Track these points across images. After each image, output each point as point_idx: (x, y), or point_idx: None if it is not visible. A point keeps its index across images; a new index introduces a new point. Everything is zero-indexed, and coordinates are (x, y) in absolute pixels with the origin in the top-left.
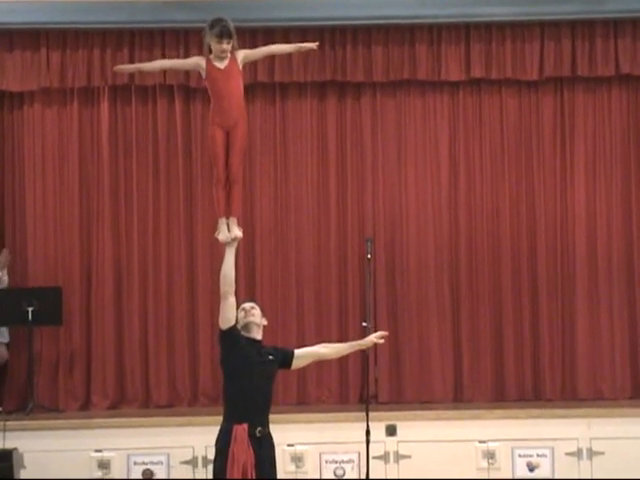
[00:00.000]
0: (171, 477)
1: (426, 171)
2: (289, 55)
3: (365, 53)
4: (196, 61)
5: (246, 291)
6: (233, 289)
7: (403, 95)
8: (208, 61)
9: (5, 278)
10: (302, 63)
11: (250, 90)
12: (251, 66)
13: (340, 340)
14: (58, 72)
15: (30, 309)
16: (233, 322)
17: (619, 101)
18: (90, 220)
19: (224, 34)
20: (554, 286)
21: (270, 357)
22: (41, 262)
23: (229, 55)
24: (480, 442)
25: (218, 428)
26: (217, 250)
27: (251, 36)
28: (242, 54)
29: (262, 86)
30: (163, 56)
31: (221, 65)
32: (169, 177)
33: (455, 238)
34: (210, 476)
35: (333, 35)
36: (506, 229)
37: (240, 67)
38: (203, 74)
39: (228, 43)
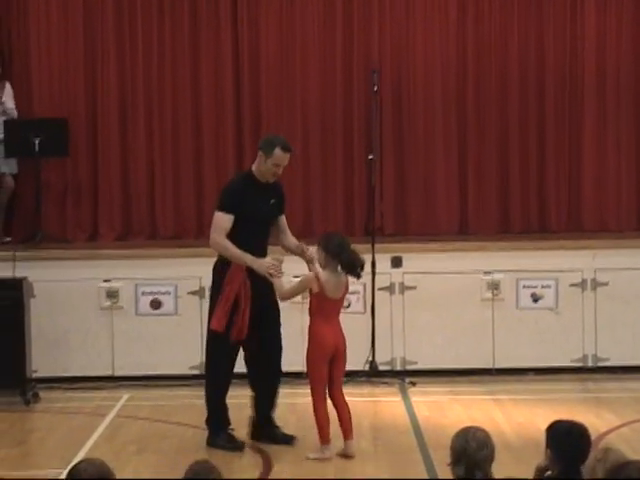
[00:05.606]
0: (179, 307)
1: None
2: None
3: None
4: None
5: (250, 127)
6: None
7: None
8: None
9: (14, 110)
10: None
11: None
12: None
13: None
14: None
15: (37, 140)
16: None
17: None
18: (95, 51)
19: None
20: (561, 116)
21: None
22: (46, 93)
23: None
24: (485, 273)
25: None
26: (222, 81)
27: None
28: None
29: None
30: None
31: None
32: (173, 6)
33: (463, 68)
34: None
35: None
36: (514, 59)
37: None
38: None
39: None
